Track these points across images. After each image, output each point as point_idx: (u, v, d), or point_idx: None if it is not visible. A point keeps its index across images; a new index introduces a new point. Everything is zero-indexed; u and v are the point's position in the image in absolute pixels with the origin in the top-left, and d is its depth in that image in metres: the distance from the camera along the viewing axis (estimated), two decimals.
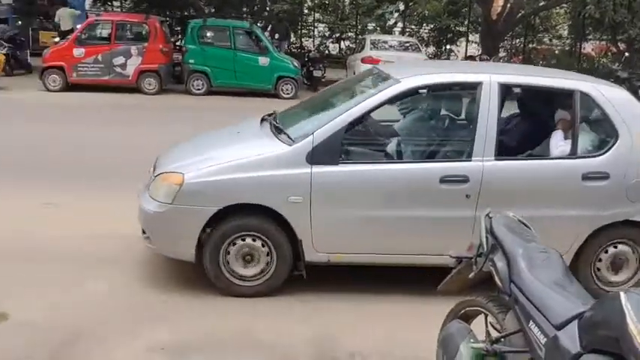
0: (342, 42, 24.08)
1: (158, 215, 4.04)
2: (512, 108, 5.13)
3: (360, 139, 4.31)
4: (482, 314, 2.69)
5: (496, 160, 4.06)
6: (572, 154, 4.17)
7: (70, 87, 13.11)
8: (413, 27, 24.17)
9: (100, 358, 3.36)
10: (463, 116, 4.89)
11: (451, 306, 2.87)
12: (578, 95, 4.21)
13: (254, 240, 4.06)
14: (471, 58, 18.32)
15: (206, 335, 3.64)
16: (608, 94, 4.26)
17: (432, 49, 23.45)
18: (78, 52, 13.18)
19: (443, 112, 5.03)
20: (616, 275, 4.32)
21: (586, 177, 4.09)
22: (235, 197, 3.98)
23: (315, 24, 24.35)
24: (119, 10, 20.90)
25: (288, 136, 4.19)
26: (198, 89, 13.96)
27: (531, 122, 4.87)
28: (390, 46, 16.00)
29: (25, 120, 9.62)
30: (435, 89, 4.73)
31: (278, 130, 4.36)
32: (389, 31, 22.99)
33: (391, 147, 4.46)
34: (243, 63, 14.06)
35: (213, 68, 13.90)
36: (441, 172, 4.01)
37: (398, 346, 3.61)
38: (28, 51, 15.96)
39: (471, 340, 2.45)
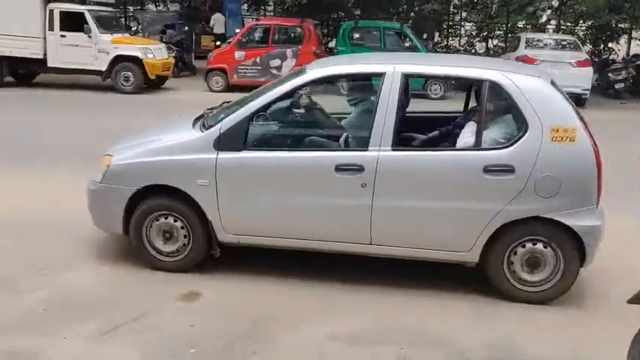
0: (489, 41, 23.35)
1: (92, 193, 4.51)
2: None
3: (264, 128, 4.38)
4: None
5: (393, 150, 4.00)
6: (476, 145, 4.00)
7: (230, 88, 14.00)
8: (568, 24, 22.82)
9: (288, 339, 3.60)
10: (366, 107, 4.74)
11: None
12: (487, 85, 4.05)
13: (175, 220, 4.34)
14: (636, 56, 16.93)
15: (381, 328, 3.78)
16: (522, 84, 3.99)
17: (587, 47, 21.99)
18: (239, 54, 14.14)
19: (346, 102, 5.11)
20: (531, 274, 4.06)
21: (487, 170, 3.90)
22: (152, 179, 4.29)
23: (462, 23, 23.84)
24: (272, 14, 21.95)
25: (203, 125, 4.42)
26: None
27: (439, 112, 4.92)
28: (546, 45, 15.22)
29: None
30: (340, 80, 4.90)
31: (197, 120, 4.63)
32: (541, 29, 21.90)
33: (292, 135, 4.54)
34: None
35: None
36: (336, 161, 4.03)
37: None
38: (193, 54, 17.32)
39: None
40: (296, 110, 4.71)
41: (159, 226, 4.38)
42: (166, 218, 4.36)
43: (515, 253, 4.05)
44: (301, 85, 4.33)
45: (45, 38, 13.90)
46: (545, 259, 4.02)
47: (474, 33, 24.05)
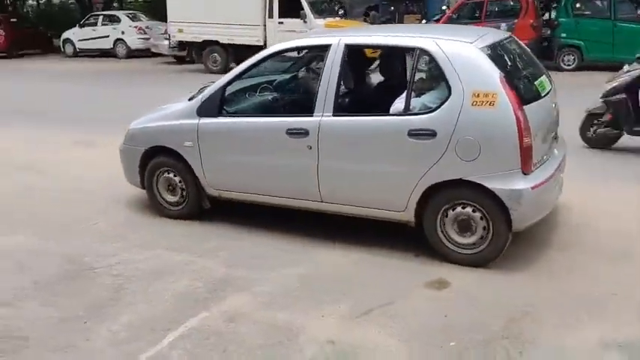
0: None
1: (120, 153, 5.45)
2: None
3: (235, 96, 5.03)
4: None
5: (334, 115, 4.29)
6: (405, 110, 4.14)
7: None
8: None
9: (554, 342, 3.30)
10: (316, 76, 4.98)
11: None
12: (417, 52, 4.18)
13: (174, 175, 5.10)
14: None
15: None
16: (449, 51, 4.05)
17: None
18: None
19: (299, 72, 5.65)
20: (463, 237, 4.12)
21: (411, 134, 4.03)
22: (153, 141, 5.13)
23: None
24: None
25: (193, 96, 5.05)
26: (569, 64, 13.13)
27: (388, 81, 5.46)
28: None
29: None
30: (294, 52, 5.32)
31: (194, 94, 5.20)
32: None
33: (260, 102, 5.15)
34: (625, 33, 12.71)
35: (587, 41, 12.89)
36: (287, 125, 4.40)
37: None
38: None
39: None
40: (266, 80, 5.41)
41: (163, 180, 5.18)
42: (168, 174, 5.12)
43: (447, 216, 4.13)
44: (262, 58, 4.79)
45: (265, 25, 14.80)
46: (475, 222, 4.05)
47: None
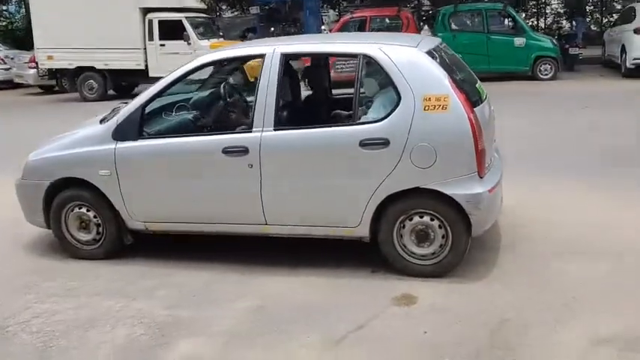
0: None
1: (17, 189, 4.72)
2: None
3: (157, 116, 4.59)
4: None
5: (275, 130, 3.98)
6: (353, 120, 3.99)
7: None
8: None
9: (543, 343, 3.20)
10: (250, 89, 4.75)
11: None
12: (361, 59, 4.01)
13: (87, 210, 4.49)
14: None
15: None
16: (394, 55, 3.89)
17: None
18: None
19: (231, 85, 5.20)
20: (421, 247, 3.96)
21: (363, 144, 3.82)
22: (60, 172, 4.47)
23: (547, 1, 22.82)
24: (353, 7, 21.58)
25: (105, 118, 4.55)
26: None
27: (316, 92, 5.26)
28: None
29: None
30: (224, 63, 5.00)
31: (105, 115, 4.71)
32: None
33: (184, 121, 4.67)
34: (498, 46, 13.54)
35: (464, 54, 13.49)
36: (223, 144, 4.04)
37: None
38: None
39: None
40: (187, 97, 4.95)
41: (74, 216, 4.55)
42: (80, 208, 4.52)
43: (404, 227, 3.96)
44: (190, 70, 4.33)
45: (145, 49, 14.07)
46: (434, 231, 3.92)
47: (560, 11, 22.98)
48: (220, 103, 5.00)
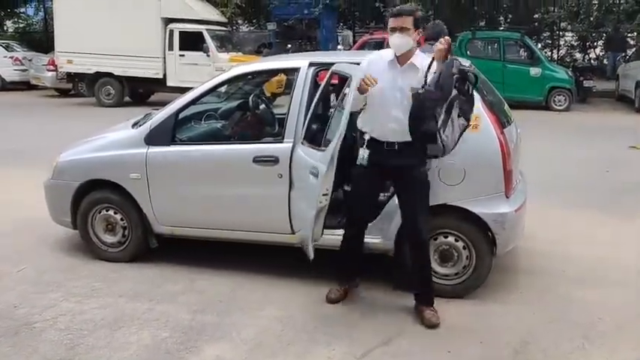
0: (592, 51, 22.24)
1: (45, 189, 4.79)
2: None
3: (187, 123, 4.74)
4: None
5: (304, 142, 3.97)
6: None
7: None
8: None
9: None
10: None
11: None
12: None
13: (115, 212, 4.55)
14: None
15: None
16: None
17: None
18: None
19: (259, 97, 5.28)
20: (443, 267, 4.01)
21: None
22: (91, 174, 4.55)
23: (561, 33, 22.88)
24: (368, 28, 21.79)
25: (137, 123, 4.64)
26: None
27: None
28: None
29: None
30: (257, 76, 5.21)
31: (137, 120, 4.81)
32: None
33: (216, 129, 4.86)
34: (513, 74, 13.62)
35: None
36: (254, 153, 4.12)
37: None
38: None
39: None
40: (224, 106, 5.14)
41: (101, 219, 4.62)
42: (107, 211, 4.58)
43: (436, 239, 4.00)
44: (223, 81, 4.52)
45: (164, 58, 14.22)
46: (458, 251, 3.96)
47: (574, 43, 23.06)
48: (248, 113, 5.08)
